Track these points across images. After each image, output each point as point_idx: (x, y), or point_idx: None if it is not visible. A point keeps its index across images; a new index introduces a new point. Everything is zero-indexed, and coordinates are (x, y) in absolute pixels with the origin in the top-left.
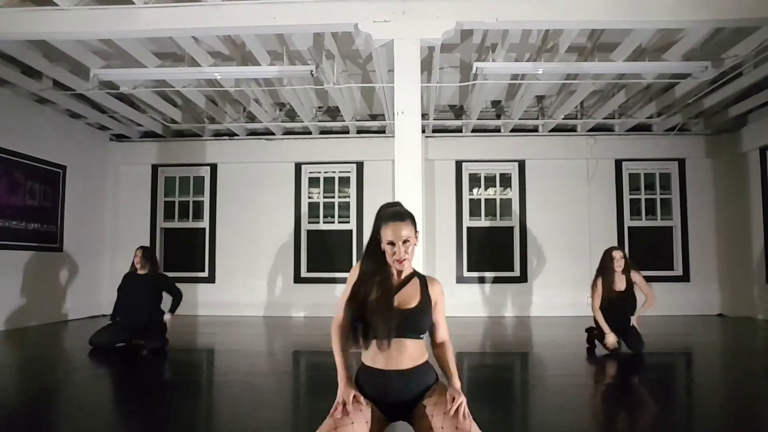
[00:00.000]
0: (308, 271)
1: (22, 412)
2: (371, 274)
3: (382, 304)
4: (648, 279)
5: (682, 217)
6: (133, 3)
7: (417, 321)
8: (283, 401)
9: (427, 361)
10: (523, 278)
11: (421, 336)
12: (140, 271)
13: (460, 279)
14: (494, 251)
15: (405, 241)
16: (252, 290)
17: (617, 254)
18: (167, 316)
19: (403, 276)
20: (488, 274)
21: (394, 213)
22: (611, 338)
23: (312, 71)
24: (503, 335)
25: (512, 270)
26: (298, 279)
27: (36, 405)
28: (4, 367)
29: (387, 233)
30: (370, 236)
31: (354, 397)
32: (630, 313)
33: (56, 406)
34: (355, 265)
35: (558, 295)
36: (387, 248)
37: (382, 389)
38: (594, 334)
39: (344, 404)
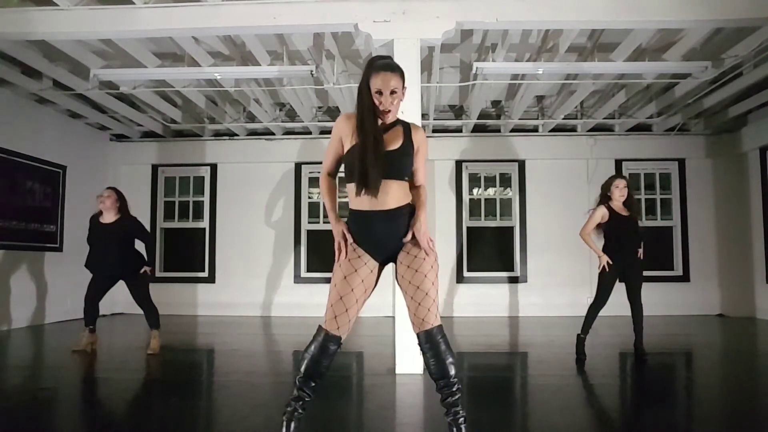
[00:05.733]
0: (308, 271)
1: (22, 412)
2: (361, 123)
3: (371, 150)
4: (648, 279)
5: (682, 217)
6: (133, 3)
7: (399, 162)
8: (283, 401)
9: (409, 204)
10: (523, 278)
11: (405, 178)
12: (105, 219)
13: (460, 279)
14: (494, 251)
15: (392, 92)
16: (252, 290)
17: (621, 183)
18: (147, 269)
19: (387, 123)
20: (488, 274)
21: (385, 64)
22: (604, 260)
23: (312, 71)
24: (503, 335)
25: (512, 270)
26: (298, 279)
27: (36, 405)
28: (4, 367)
29: (376, 82)
30: (360, 86)
31: (346, 240)
32: (635, 244)
33: (56, 406)
34: (340, 117)
35: (558, 295)
36: (375, 97)
37: (368, 229)
38: (581, 338)
39: (342, 243)
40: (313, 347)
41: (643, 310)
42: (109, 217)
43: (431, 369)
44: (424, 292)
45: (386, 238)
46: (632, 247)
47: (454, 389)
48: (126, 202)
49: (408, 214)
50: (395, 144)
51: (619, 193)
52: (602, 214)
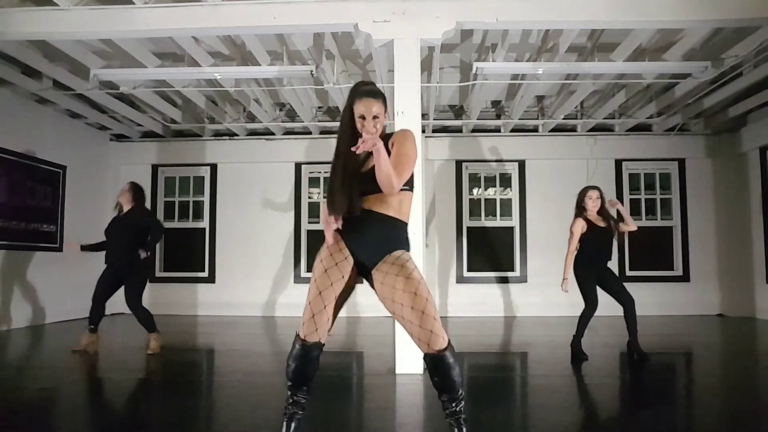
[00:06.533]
0: (309, 271)
1: (22, 412)
2: (337, 145)
3: (339, 172)
4: (648, 279)
5: (682, 217)
6: (133, 3)
7: (374, 179)
8: (283, 401)
9: (401, 221)
10: (523, 278)
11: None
12: (125, 209)
13: (460, 279)
14: (494, 251)
15: (375, 117)
16: (252, 290)
17: (594, 193)
18: (142, 254)
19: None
20: (488, 274)
21: (368, 90)
22: (566, 284)
23: (312, 71)
24: (503, 335)
25: (512, 270)
26: (298, 279)
27: (35, 405)
28: (4, 367)
29: (359, 108)
30: (344, 110)
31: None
32: (610, 255)
33: (55, 407)
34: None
35: (558, 295)
36: (358, 121)
37: (356, 223)
38: (574, 341)
39: (331, 231)
40: (294, 357)
41: (635, 306)
42: (125, 209)
43: (436, 386)
44: (419, 310)
45: (371, 236)
46: (606, 256)
47: (459, 400)
48: (141, 195)
49: (399, 228)
50: (372, 163)
51: (592, 204)
52: (581, 226)
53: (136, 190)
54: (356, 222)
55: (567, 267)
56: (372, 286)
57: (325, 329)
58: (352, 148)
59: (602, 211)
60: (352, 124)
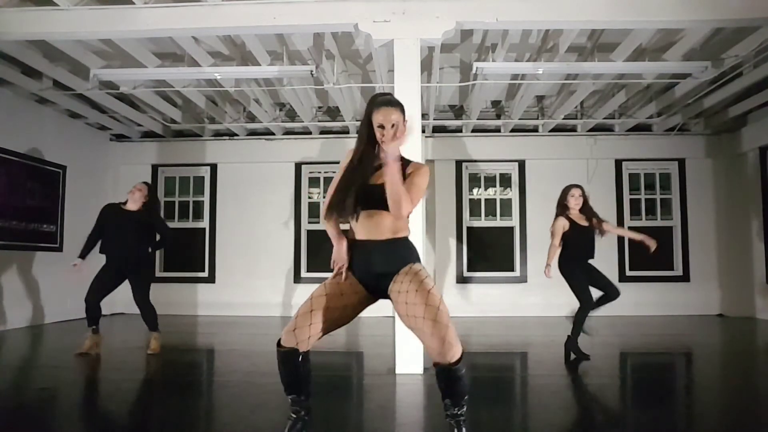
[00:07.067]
0: (308, 271)
1: (22, 412)
2: (355, 155)
3: (347, 177)
4: (648, 279)
5: (682, 217)
6: (133, 3)
7: (380, 195)
8: (283, 401)
9: (407, 238)
10: (523, 278)
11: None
12: (130, 206)
13: (460, 279)
14: (494, 251)
15: (393, 126)
16: (252, 290)
17: (576, 192)
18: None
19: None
20: (488, 274)
21: (386, 100)
22: (548, 271)
23: (312, 71)
24: (503, 335)
25: (512, 270)
26: (298, 279)
27: (35, 405)
28: (4, 367)
29: (378, 117)
30: (362, 121)
31: (343, 258)
32: (592, 253)
33: (55, 407)
34: (348, 150)
35: (558, 295)
36: (377, 131)
37: (365, 259)
38: (570, 341)
39: (339, 266)
40: (280, 366)
41: (617, 298)
42: (132, 207)
43: (441, 391)
44: (429, 320)
45: (378, 266)
46: (588, 254)
47: (462, 406)
48: (154, 200)
49: (401, 245)
50: (383, 179)
51: (574, 202)
52: (563, 224)
53: (153, 194)
54: (362, 251)
55: (550, 256)
56: (387, 297)
57: (305, 345)
58: (379, 138)
59: (584, 210)
60: (370, 135)
